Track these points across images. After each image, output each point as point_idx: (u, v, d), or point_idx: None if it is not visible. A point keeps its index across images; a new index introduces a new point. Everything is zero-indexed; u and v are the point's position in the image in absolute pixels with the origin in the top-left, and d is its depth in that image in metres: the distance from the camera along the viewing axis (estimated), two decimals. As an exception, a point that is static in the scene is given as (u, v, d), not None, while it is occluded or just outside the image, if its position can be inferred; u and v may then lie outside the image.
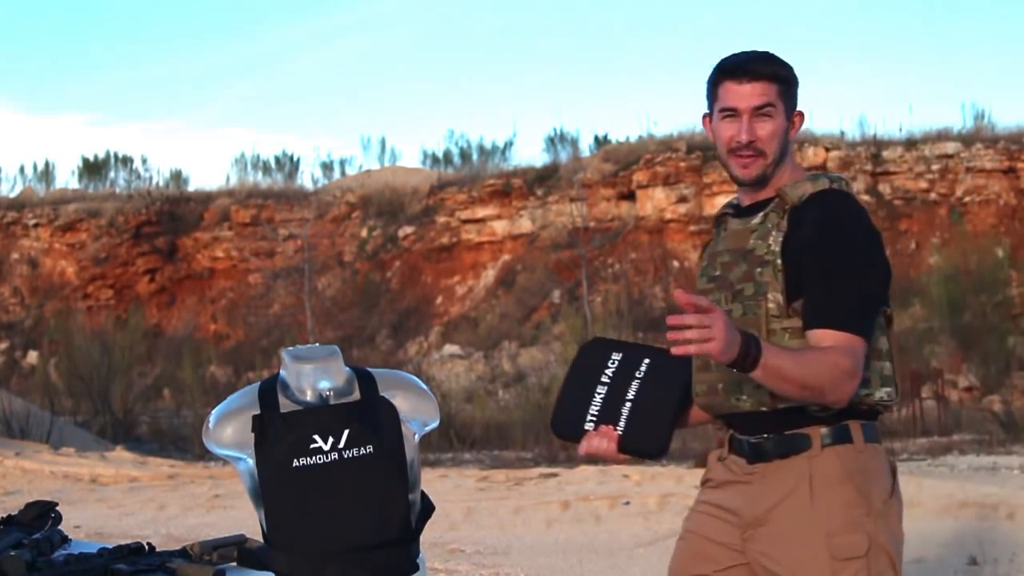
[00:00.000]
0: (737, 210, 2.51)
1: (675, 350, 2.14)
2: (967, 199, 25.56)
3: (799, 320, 2.33)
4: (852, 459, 2.36)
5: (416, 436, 2.08)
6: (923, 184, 25.79)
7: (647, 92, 52.17)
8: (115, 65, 53.27)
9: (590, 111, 56.90)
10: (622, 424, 2.47)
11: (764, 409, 2.37)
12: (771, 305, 2.34)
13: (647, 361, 2.53)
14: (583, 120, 62.80)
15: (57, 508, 2.26)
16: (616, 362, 2.54)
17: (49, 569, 1.93)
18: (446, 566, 6.93)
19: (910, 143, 26.22)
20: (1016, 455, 14.23)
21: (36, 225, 30.70)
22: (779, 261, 2.34)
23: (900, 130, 27.02)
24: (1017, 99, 46.93)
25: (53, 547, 2.10)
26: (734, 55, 2.44)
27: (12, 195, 32.27)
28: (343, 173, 32.69)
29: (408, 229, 29.02)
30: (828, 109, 61.02)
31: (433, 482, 10.96)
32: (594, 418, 2.49)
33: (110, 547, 2.04)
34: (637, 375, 2.51)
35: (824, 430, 2.36)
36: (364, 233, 29.60)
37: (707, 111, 2.49)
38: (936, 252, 24.72)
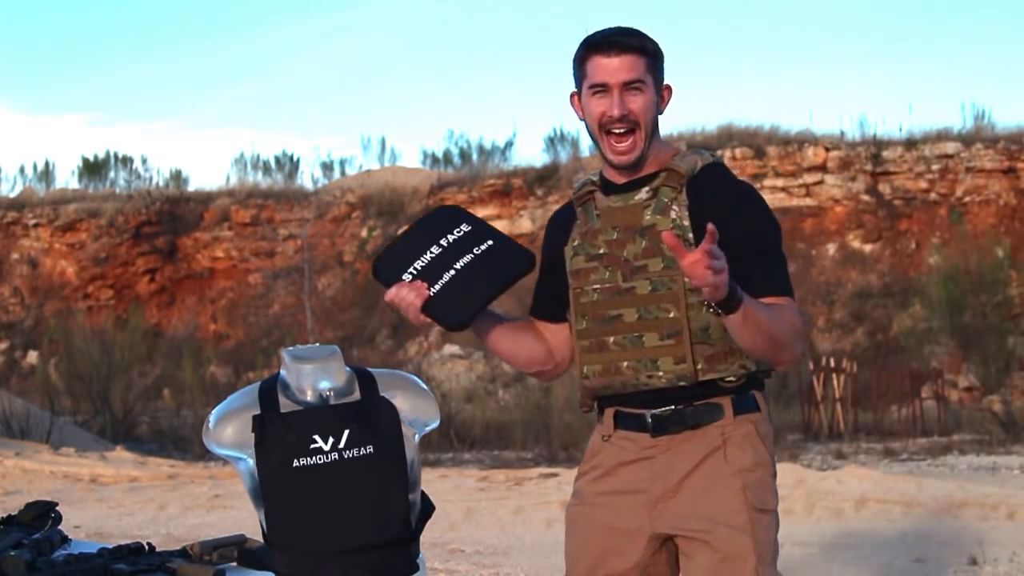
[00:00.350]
0: (606, 187, 2.45)
1: (696, 282, 2.13)
2: (967, 199, 25.57)
3: None
4: (761, 426, 2.41)
5: (416, 436, 2.08)
6: (923, 184, 25.79)
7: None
8: (115, 65, 53.29)
9: (590, 111, 56.71)
10: (437, 287, 2.37)
11: (683, 384, 2.34)
12: (686, 279, 2.28)
13: (490, 243, 2.42)
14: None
15: (57, 508, 2.26)
16: (462, 232, 2.45)
17: (49, 569, 1.93)
18: (446, 566, 6.93)
19: (910, 143, 26.22)
20: (1016, 455, 14.24)
21: (36, 225, 30.70)
22: (691, 236, 2.31)
23: (900, 130, 27.05)
24: (1017, 99, 46.94)
25: (53, 547, 2.10)
26: (601, 31, 2.39)
27: (12, 195, 32.28)
28: (343, 173, 32.70)
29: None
30: (828, 109, 61.08)
31: (433, 482, 10.96)
32: (415, 272, 2.40)
33: (110, 547, 2.04)
34: (475, 251, 2.41)
35: (734, 399, 2.38)
36: (364, 233, 29.61)
37: (575, 89, 2.44)
38: (936, 252, 24.72)
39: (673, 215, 2.34)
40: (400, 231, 2.63)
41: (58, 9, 52.75)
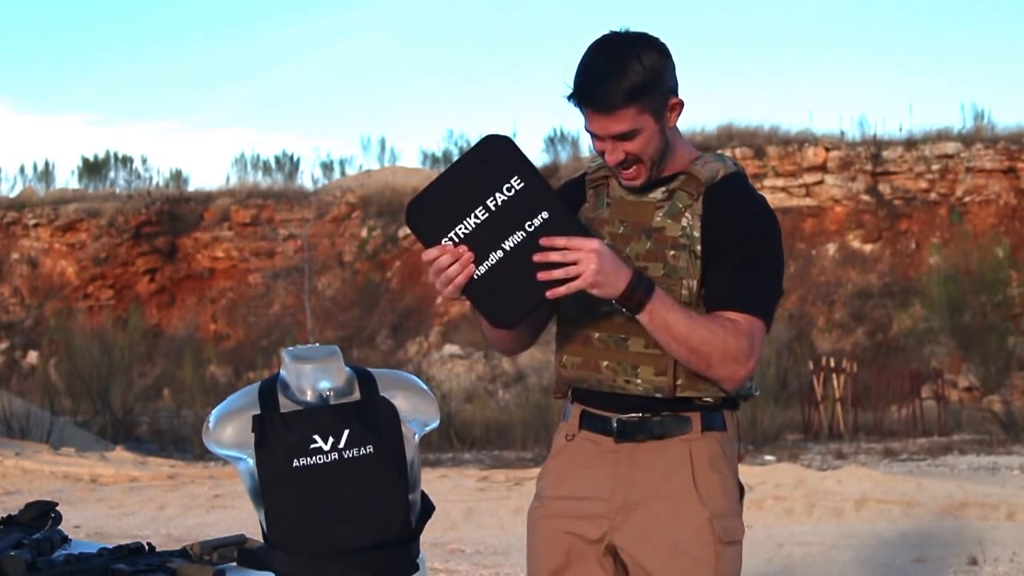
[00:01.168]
0: (618, 180, 2.35)
1: (548, 293, 2.11)
2: (967, 199, 25.57)
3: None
4: (728, 447, 2.34)
5: (416, 436, 2.07)
6: (923, 184, 25.80)
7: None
8: (115, 65, 53.28)
9: (590, 111, 56.70)
10: (483, 269, 2.14)
11: (659, 395, 2.28)
12: (684, 292, 2.25)
13: (544, 215, 2.14)
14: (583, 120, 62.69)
15: (57, 508, 2.26)
16: (514, 191, 2.14)
17: (49, 569, 1.93)
18: (446, 566, 6.93)
19: (910, 143, 26.24)
20: (1016, 455, 14.25)
21: (36, 225, 30.71)
22: (698, 247, 2.26)
23: (900, 130, 27.09)
24: (1017, 99, 46.94)
25: (53, 547, 2.10)
26: (585, 77, 2.23)
27: (12, 195, 32.30)
28: (343, 173, 32.72)
29: (408, 229, 29.03)
30: (828, 109, 61.08)
31: (433, 482, 10.96)
32: (458, 238, 2.14)
33: (110, 547, 2.04)
34: (528, 226, 2.14)
35: (703, 414, 2.31)
36: (364, 233, 29.62)
37: None
38: (936, 252, 24.73)
39: (684, 222, 2.28)
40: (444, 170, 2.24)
41: (58, 9, 52.75)
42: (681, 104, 2.30)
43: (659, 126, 2.26)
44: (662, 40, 2.30)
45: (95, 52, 53.19)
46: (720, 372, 2.23)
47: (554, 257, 2.12)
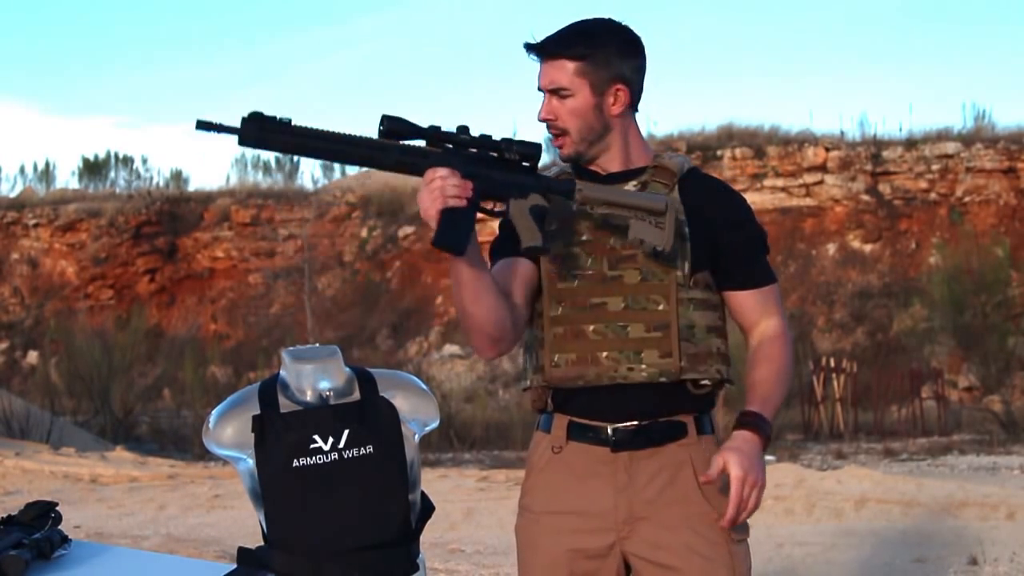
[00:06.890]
0: (590, 177, 2.34)
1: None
2: (967, 199, 25.57)
3: (700, 292, 2.30)
4: (717, 449, 2.35)
5: (416, 436, 2.07)
6: (923, 184, 25.79)
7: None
8: (117, 67, 53.32)
9: (590, 111, 56.78)
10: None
11: (663, 380, 2.26)
12: (678, 274, 2.28)
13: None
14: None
15: (57, 508, 2.26)
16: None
17: None
18: (446, 566, 6.93)
19: (910, 143, 26.23)
20: (1016, 455, 14.25)
21: (36, 225, 30.71)
22: (686, 230, 2.28)
23: (900, 130, 27.07)
24: (1017, 99, 46.94)
25: (53, 547, 2.10)
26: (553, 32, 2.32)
27: (12, 195, 32.30)
28: (343, 173, 32.71)
29: (408, 229, 29.03)
30: (828, 109, 61.08)
31: (433, 482, 10.97)
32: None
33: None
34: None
35: (696, 417, 2.32)
36: (364, 233, 29.62)
37: None
38: (936, 252, 24.73)
39: None
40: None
41: (61, 14, 52.81)
42: (627, 92, 2.31)
43: (595, 102, 2.29)
44: (640, 39, 2.34)
45: (97, 55, 53.26)
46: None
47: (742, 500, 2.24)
